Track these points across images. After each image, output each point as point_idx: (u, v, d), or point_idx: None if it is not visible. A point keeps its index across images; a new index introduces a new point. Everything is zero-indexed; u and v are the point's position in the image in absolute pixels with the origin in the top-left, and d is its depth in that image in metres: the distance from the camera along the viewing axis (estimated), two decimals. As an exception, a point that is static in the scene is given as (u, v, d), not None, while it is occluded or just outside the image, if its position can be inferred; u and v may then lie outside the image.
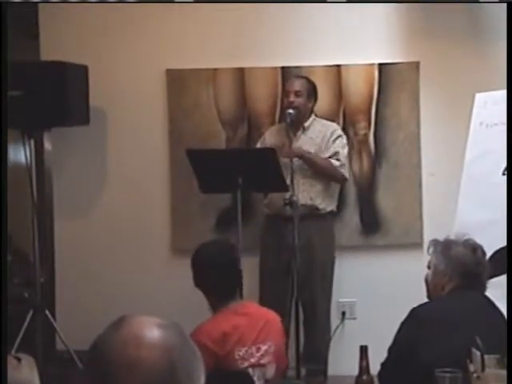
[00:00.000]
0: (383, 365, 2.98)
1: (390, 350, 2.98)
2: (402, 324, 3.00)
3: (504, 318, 3.07)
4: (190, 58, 5.09)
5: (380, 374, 2.97)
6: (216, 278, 3.28)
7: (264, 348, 3.25)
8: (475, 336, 2.59)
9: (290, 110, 4.55)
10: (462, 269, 3.09)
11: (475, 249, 3.16)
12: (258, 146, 4.85)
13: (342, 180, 4.78)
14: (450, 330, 2.88)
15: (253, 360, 3.22)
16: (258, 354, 3.23)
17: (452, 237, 3.26)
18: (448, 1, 4.87)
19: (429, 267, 3.24)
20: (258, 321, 3.29)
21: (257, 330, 3.26)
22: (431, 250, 3.24)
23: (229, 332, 3.18)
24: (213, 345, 3.13)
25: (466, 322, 2.91)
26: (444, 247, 3.19)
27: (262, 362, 3.24)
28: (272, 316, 3.40)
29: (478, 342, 2.53)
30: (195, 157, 4.39)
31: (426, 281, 3.24)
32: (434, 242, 3.26)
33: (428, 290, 3.23)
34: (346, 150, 4.75)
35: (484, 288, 3.14)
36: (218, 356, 3.12)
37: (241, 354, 3.19)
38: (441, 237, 3.30)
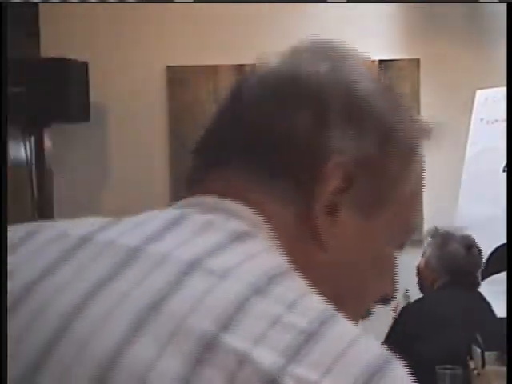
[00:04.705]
0: None
1: None
2: (394, 323, 3.00)
3: (495, 315, 3.06)
4: (190, 54, 5.09)
5: None
6: None
7: None
8: (463, 333, 2.60)
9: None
10: (452, 266, 3.10)
11: (471, 247, 3.15)
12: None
13: None
14: (438, 328, 2.87)
15: None
16: None
17: (451, 230, 3.25)
18: (448, 1, 4.88)
19: (423, 255, 3.23)
20: None
21: None
22: (429, 239, 3.23)
23: None
24: None
25: (456, 319, 2.91)
26: (441, 241, 3.18)
27: None
28: None
29: (478, 338, 2.53)
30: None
31: (419, 270, 3.24)
32: (433, 232, 3.25)
33: (420, 281, 3.22)
34: None
35: (476, 285, 3.14)
36: None
37: None
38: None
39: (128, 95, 5.11)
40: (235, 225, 0.75)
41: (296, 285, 0.72)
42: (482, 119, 4.43)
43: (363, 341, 0.71)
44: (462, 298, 3.06)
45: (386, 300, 0.92)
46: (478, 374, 2.53)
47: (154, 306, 0.66)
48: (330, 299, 0.72)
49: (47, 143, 5.15)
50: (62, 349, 0.64)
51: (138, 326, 0.64)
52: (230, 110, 0.89)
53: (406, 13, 5.06)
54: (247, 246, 0.74)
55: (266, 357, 0.63)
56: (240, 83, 0.89)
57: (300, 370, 0.63)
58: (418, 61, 5.05)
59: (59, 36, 5.07)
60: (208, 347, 0.63)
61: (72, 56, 4.70)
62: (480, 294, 3.11)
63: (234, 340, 0.64)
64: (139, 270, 0.69)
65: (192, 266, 0.69)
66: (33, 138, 4.57)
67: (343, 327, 0.70)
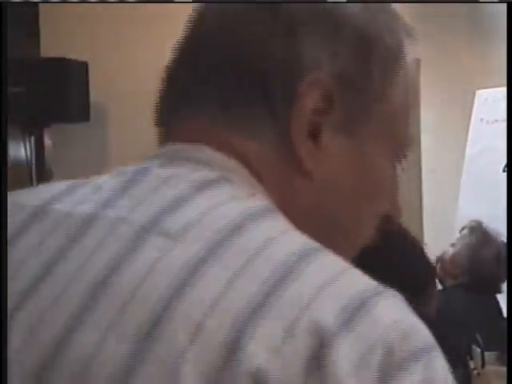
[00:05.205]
0: None
1: None
2: None
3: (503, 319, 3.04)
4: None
5: None
6: None
7: None
8: (466, 335, 2.59)
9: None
10: (479, 272, 3.03)
11: (501, 257, 3.07)
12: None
13: None
14: (441, 327, 2.85)
15: None
16: None
17: (492, 232, 3.15)
18: (448, 1, 4.87)
19: (452, 246, 3.16)
20: None
21: None
22: (466, 231, 3.14)
23: None
24: None
25: (462, 322, 2.89)
26: (477, 240, 3.10)
27: None
28: None
29: (478, 338, 2.53)
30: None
31: (442, 259, 3.17)
32: (473, 227, 3.16)
33: (440, 269, 3.16)
34: None
35: (495, 291, 3.09)
36: None
37: None
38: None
39: (128, 95, 5.10)
40: (201, 174, 0.69)
41: (273, 225, 0.65)
42: (481, 119, 4.43)
43: (350, 273, 0.61)
44: (477, 301, 3.01)
45: (388, 221, 0.80)
46: (478, 373, 2.53)
47: (103, 282, 0.60)
48: (321, 236, 0.65)
49: (47, 143, 5.15)
50: (11, 335, 0.61)
51: (84, 309, 0.59)
52: (197, 26, 0.80)
53: (406, 11, 5.05)
54: (212, 194, 0.67)
55: (223, 322, 0.56)
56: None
57: (263, 327, 0.56)
58: (418, 61, 5.03)
59: (59, 36, 5.06)
60: (156, 322, 0.57)
61: (72, 56, 4.69)
62: (496, 298, 3.07)
63: (187, 309, 0.57)
64: (92, 241, 0.64)
65: (147, 229, 0.63)
66: (33, 138, 4.57)
67: (327, 261, 0.62)
